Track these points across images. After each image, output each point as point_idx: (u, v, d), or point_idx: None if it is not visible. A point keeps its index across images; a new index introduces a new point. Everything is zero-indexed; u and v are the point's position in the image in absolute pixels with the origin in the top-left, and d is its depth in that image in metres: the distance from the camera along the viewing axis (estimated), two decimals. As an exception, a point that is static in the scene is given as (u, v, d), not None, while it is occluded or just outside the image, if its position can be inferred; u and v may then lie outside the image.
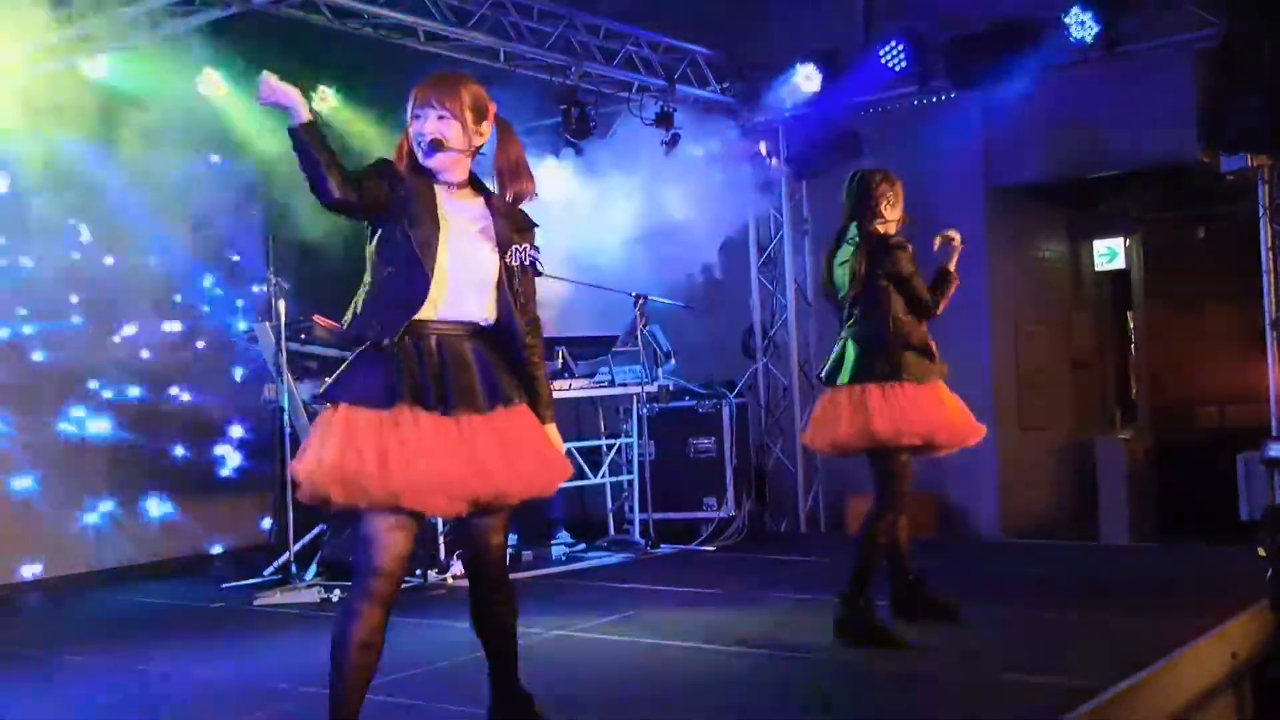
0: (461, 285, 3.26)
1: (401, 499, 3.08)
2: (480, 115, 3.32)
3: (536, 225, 3.46)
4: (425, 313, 3.21)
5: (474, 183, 3.40)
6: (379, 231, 3.25)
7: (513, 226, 3.37)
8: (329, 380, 3.27)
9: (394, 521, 3.15)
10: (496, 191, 3.39)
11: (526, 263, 3.37)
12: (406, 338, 3.20)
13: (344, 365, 3.27)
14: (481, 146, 3.36)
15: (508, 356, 3.34)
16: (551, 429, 3.42)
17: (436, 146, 3.26)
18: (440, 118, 3.27)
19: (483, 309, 3.31)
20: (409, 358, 3.18)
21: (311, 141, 3.12)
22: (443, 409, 3.16)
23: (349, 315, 3.28)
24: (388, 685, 4.40)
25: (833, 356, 5.04)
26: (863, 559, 4.83)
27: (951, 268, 5.15)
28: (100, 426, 7.99)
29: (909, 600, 5.21)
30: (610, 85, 8.30)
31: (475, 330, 3.30)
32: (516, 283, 3.36)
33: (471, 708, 3.61)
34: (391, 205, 3.22)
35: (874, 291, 4.94)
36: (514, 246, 3.34)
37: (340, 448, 3.11)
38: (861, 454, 4.97)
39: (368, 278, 3.27)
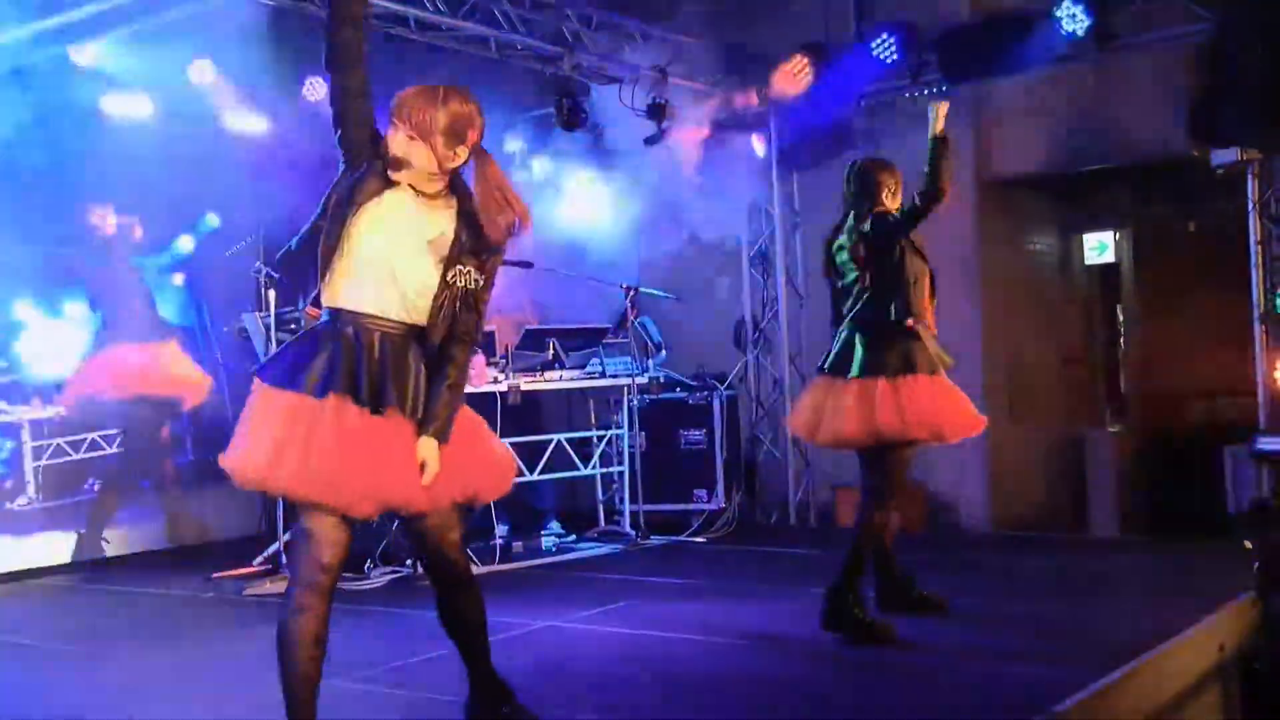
0: (400, 287, 3.21)
1: (295, 492, 3.12)
2: (456, 139, 3.23)
3: (500, 252, 3.34)
4: (369, 307, 3.19)
5: (457, 191, 3.32)
6: (340, 179, 3.25)
7: (473, 247, 3.26)
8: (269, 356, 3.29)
9: (337, 518, 3.16)
10: (484, 220, 3.27)
11: (464, 285, 3.27)
12: (350, 329, 3.18)
13: (286, 342, 3.31)
14: (458, 168, 3.29)
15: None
16: (427, 443, 3.18)
17: (395, 166, 3.23)
18: (410, 138, 3.21)
19: (417, 314, 3.25)
20: (349, 349, 3.16)
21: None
22: (373, 406, 3.14)
23: (287, 254, 3.32)
24: (377, 675, 4.41)
25: (837, 346, 5.00)
26: (858, 551, 4.83)
27: (939, 129, 4.91)
28: (90, 414, 7.97)
29: (896, 594, 5.22)
30: (602, 76, 8.28)
31: (418, 334, 3.26)
32: (454, 300, 3.26)
33: (461, 697, 3.61)
34: (362, 157, 3.22)
35: (883, 277, 4.93)
36: (459, 267, 3.24)
37: (254, 432, 3.15)
38: (861, 448, 4.97)
39: (317, 220, 3.25)
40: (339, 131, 3.25)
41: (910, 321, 4.88)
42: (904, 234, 4.92)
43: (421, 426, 3.20)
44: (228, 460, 3.17)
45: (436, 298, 3.24)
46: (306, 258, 3.24)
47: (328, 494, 3.09)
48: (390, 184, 3.24)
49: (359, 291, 3.20)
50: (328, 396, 3.10)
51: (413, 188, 3.27)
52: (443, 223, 3.28)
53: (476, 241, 3.28)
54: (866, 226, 4.98)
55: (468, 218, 3.29)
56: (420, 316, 3.25)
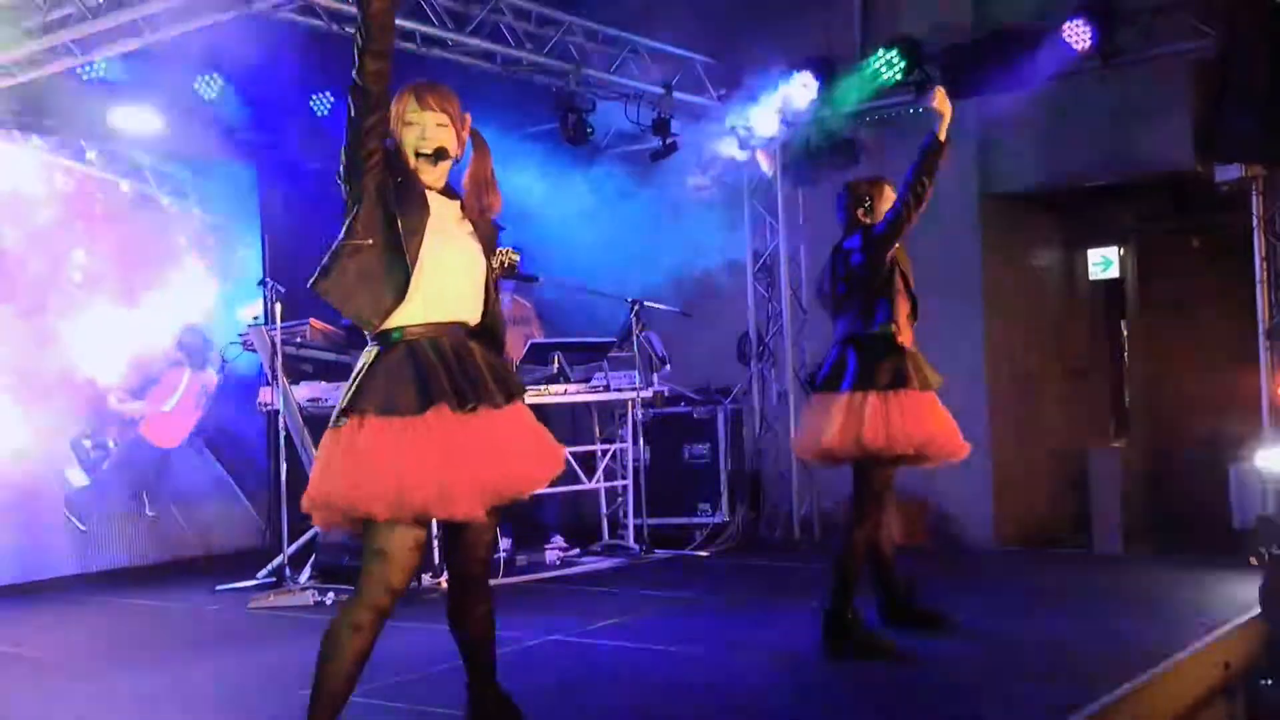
0: (458, 284, 3.29)
1: (435, 508, 3.10)
2: (462, 123, 3.36)
3: (503, 228, 3.53)
4: (428, 315, 3.22)
5: (448, 189, 3.41)
6: (364, 192, 3.19)
7: (485, 233, 3.42)
8: (349, 392, 3.19)
9: (415, 539, 3.15)
10: (466, 201, 3.40)
11: (506, 265, 3.47)
12: (422, 339, 3.21)
13: (361, 373, 3.21)
14: (460, 157, 3.38)
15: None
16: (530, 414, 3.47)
17: (442, 155, 3.28)
18: (440, 125, 3.28)
19: (473, 309, 3.34)
20: (427, 357, 3.18)
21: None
22: (468, 407, 3.17)
23: (331, 280, 3.19)
24: (386, 690, 4.41)
25: (829, 364, 5.02)
26: (842, 570, 4.82)
27: (941, 135, 4.84)
28: (94, 426, 8.00)
29: (898, 609, 5.21)
30: (608, 91, 8.31)
31: (467, 330, 3.33)
32: (495, 285, 3.46)
33: (462, 711, 3.61)
34: (384, 167, 3.22)
35: (869, 292, 4.93)
36: (497, 248, 3.45)
37: (379, 463, 3.08)
38: (849, 462, 4.96)
39: (350, 240, 3.19)
40: (359, 153, 3.18)
41: (897, 333, 4.86)
42: (889, 243, 4.89)
43: (518, 401, 3.35)
44: (344, 497, 3.09)
45: (488, 285, 3.38)
46: (361, 277, 3.18)
47: (448, 505, 3.09)
48: (422, 191, 3.28)
49: (423, 304, 3.22)
50: (428, 411, 3.12)
51: (429, 187, 3.32)
52: (459, 213, 3.38)
53: (487, 227, 3.42)
54: (850, 243, 5.00)
55: (467, 210, 3.40)
56: (469, 311, 3.32)
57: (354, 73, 3.15)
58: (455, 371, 3.20)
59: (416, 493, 3.06)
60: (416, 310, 3.21)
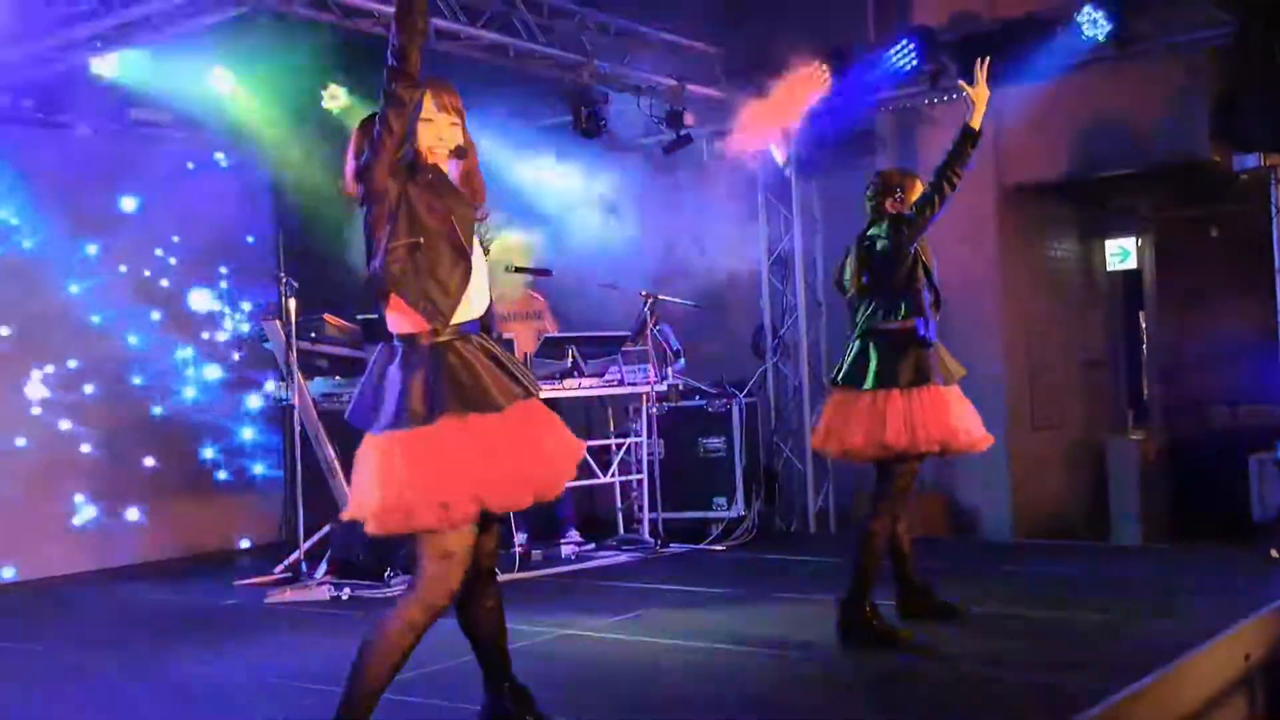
0: (481, 279, 3.32)
1: (510, 503, 3.19)
2: (463, 120, 3.38)
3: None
4: (470, 311, 3.24)
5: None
6: (389, 190, 3.17)
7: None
8: (423, 394, 3.13)
9: (474, 538, 3.20)
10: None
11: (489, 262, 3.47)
12: (468, 338, 3.22)
13: (430, 374, 3.14)
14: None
15: None
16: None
17: (460, 154, 3.30)
18: (453, 124, 3.31)
19: (486, 304, 3.36)
20: (492, 355, 3.22)
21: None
22: (505, 404, 3.18)
23: (400, 277, 3.17)
24: (402, 684, 4.40)
25: (850, 358, 4.98)
26: (862, 562, 4.80)
27: (975, 124, 4.80)
28: (112, 422, 8.03)
29: (915, 601, 5.18)
30: (620, 84, 8.28)
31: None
32: None
33: (478, 705, 3.60)
34: (407, 170, 3.20)
35: (893, 284, 4.89)
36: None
37: (464, 463, 3.10)
38: (873, 462, 4.93)
39: (399, 239, 3.15)
40: (393, 147, 3.15)
41: (919, 326, 4.83)
42: (917, 231, 4.86)
43: (535, 394, 3.34)
44: (419, 517, 3.09)
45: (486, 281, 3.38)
46: (418, 275, 3.17)
47: (517, 499, 3.19)
48: (455, 188, 3.31)
49: (469, 299, 3.25)
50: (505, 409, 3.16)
51: None
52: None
53: None
54: (875, 232, 4.98)
55: None
56: (484, 307, 3.34)
57: (397, 62, 3.09)
58: (509, 366, 3.25)
59: (493, 491, 3.12)
60: (463, 306, 3.23)
